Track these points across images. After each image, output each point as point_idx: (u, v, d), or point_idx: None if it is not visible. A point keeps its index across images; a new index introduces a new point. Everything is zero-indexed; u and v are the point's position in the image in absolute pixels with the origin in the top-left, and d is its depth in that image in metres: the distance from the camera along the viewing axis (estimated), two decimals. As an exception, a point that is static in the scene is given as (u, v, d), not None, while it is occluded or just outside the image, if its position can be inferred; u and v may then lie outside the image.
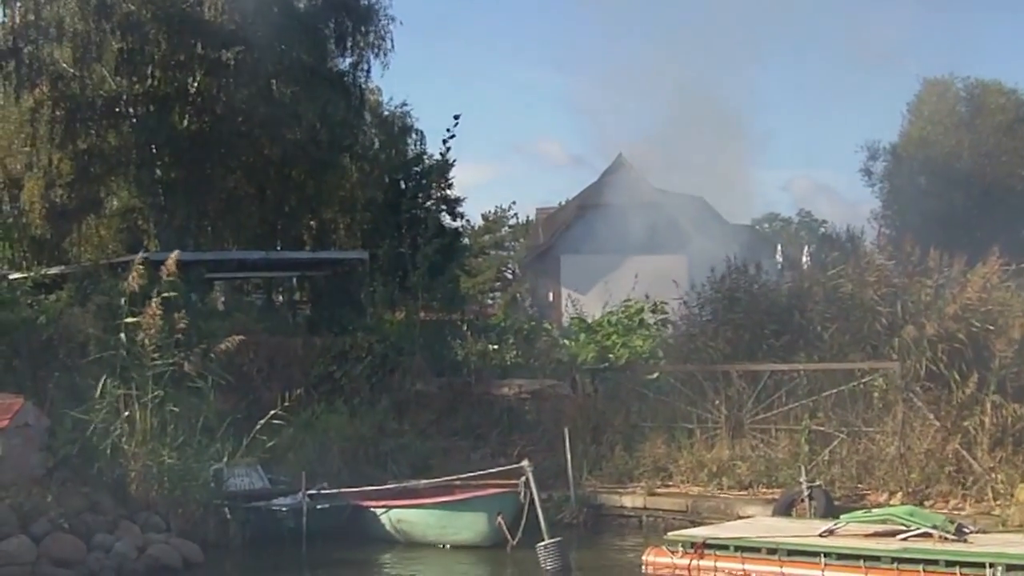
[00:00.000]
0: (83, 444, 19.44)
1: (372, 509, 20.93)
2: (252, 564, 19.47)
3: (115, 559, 17.62)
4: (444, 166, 31.98)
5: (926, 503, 19.51)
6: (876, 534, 16.67)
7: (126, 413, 20.08)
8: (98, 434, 19.66)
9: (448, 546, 20.18)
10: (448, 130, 34.79)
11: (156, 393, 20.17)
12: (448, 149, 33.42)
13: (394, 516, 20.58)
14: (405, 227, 33.07)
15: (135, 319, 20.55)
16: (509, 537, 19.29)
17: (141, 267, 21.19)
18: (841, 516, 17.68)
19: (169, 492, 19.66)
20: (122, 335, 20.63)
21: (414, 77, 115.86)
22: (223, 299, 31.20)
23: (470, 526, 19.86)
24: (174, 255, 21.65)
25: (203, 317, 24.69)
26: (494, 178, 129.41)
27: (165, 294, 20.66)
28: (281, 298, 33.12)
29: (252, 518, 20.23)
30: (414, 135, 38.69)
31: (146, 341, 20.29)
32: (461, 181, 72.85)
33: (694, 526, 19.33)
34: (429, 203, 34.92)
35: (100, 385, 20.12)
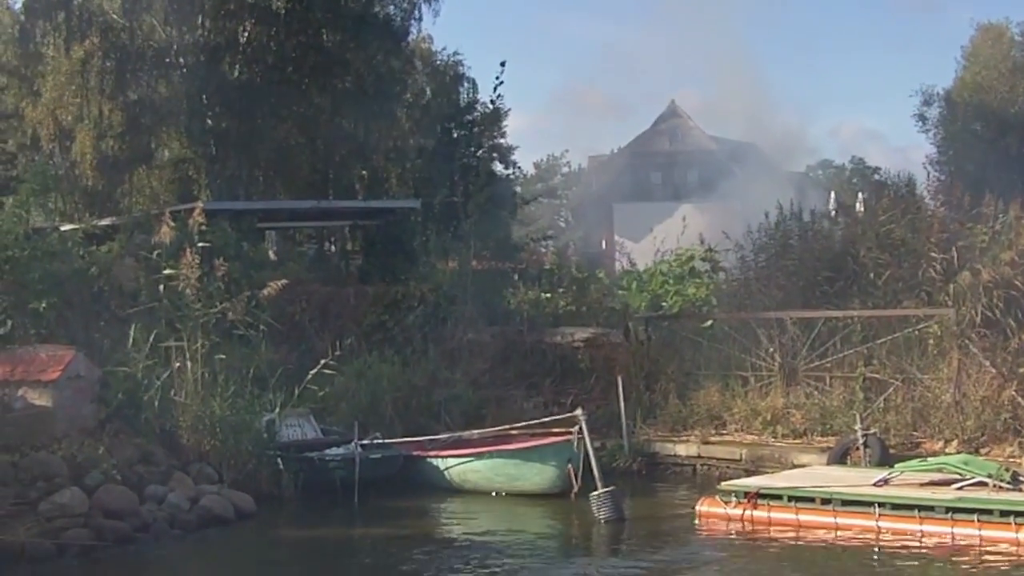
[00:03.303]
0: (132, 395, 19.45)
1: (428, 458, 20.94)
2: (305, 514, 19.43)
3: (168, 510, 17.64)
4: (496, 114, 31.73)
5: (982, 451, 19.32)
6: (931, 483, 16.56)
7: (176, 364, 20.12)
8: (146, 385, 19.67)
9: (503, 493, 20.20)
10: (497, 77, 34.54)
11: (202, 343, 20.18)
12: (498, 96, 33.27)
13: (458, 465, 20.57)
14: (457, 175, 32.93)
15: (170, 271, 20.60)
16: (575, 484, 19.20)
17: (171, 220, 21.24)
18: (896, 465, 17.59)
19: (221, 443, 19.63)
20: (161, 287, 20.71)
21: (461, 22, 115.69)
22: (275, 249, 31.19)
23: (539, 474, 19.79)
24: (198, 206, 21.74)
25: (255, 267, 24.66)
26: (541, 126, 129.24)
27: (201, 243, 20.65)
28: (333, 248, 33.04)
29: (305, 468, 20.20)
30: (466, 83, 38.47)
31: (187, 291, 20.32)
32: (509, 129, 72.72)
33: (748, 475, 19.29)
34: (481, 151, 34.76)
35: (133, 334, 20.19)
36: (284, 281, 22.10)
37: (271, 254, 30.07)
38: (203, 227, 21.33)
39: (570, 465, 19.33)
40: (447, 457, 20.83)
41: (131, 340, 20.16)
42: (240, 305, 20.69)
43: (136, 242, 23.17)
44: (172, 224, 21.16)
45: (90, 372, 19.29)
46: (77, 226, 24.66)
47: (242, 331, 20.96)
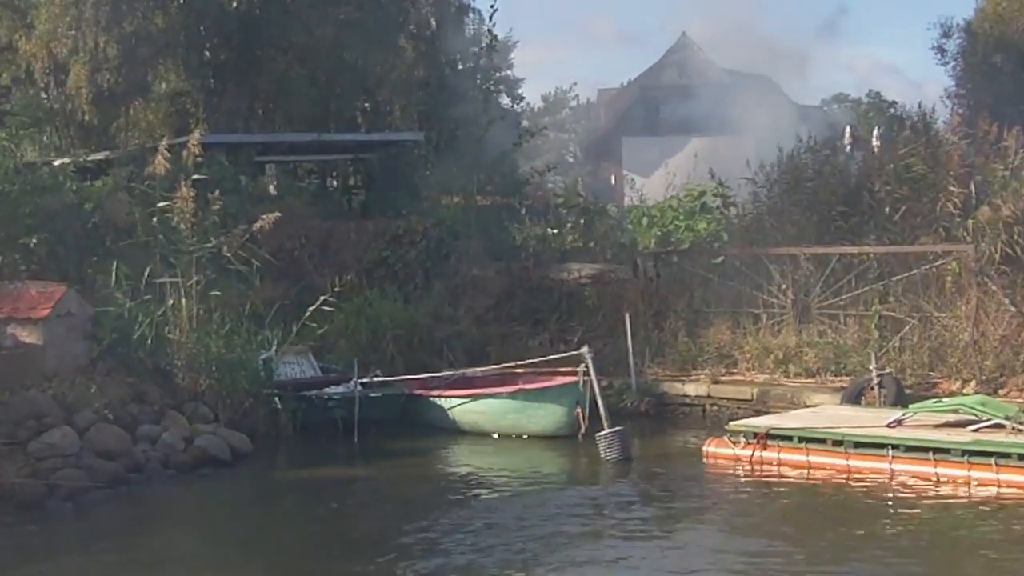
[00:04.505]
0: (125, 333, 19.12)
1: (431, 398, 20.69)
2: (303, 454, 19.21)
3: (161, 450, 17.41)
4: (493, 43, 31.04)
5: (1000, 392, 18.98)
6: (946, 425, 16.31)
7: (171, 301, 19.80)
8: (138, 321, 19.33)
9: (497, 435, 19.91)
10: (491, 5, 33.94)
11: (197, 279, 19.89)
12: (493, 24, 32.68)
13: (462, 405, 20.29)
14: (462, 107, 32.32)
15: (166, 203, 20.19)
16: (583, 426, 18.92)
17: (167, 151, 20.83)
18: (910, 406, 17.35)
19: (217, 381, 19.41)
20: (155, 220, 20.41)
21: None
22: (276, 184, 30.76)
23: (547, 416, 19.51)
24: (194, 138, 21.29)
25: (254, 202, 24.25)
26: (545, 58, 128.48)
27: (195, 176, 20.24)
28: (335, 183, 32.61)
29: (303, 407, 19.98)
30: (471, 14, 37.85)
31: (181, 225, 20.01)
32: (516, 61, 72.38)
33: (759, 415, 18.96)
34: (487, 84, 34.16)
35: (116, 271, 19.91)
36: (277, 214, 21.68)
37: (272, 189, 29.64)
38: (198, 159, 20.85)
39: (578, 407, 19.00)
40: (451, 397, 20.54)
41: (114, 277, 19.84)
42: (235, 239, 20.28)
43: (126, 175, 22.69)
44: (168, 154, 20.66)
45: (81, 309, 19.00)
46: (68, 160, 24.21)
47: (237, 266, 20.54)
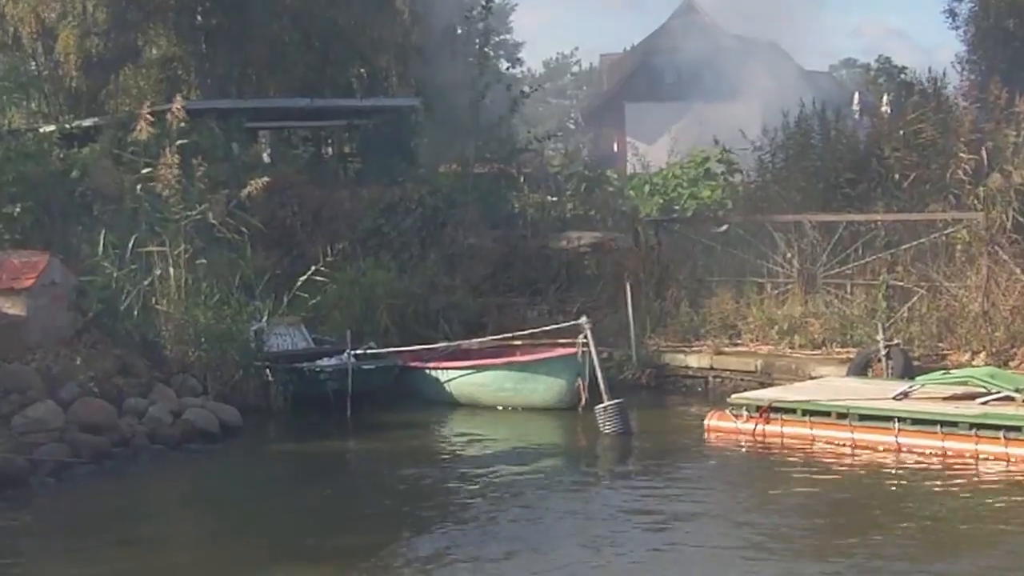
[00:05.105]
0: (111, 303, 18.83)
1: (427, 370, 20.42)
2: (294, 428, 18.97)
3: (149, 424, 17.08)
4: (489, 7, 30.59)
5: (1010, 364, 18.67)
6: (954, 397, 16.03)
7: (158, 271, 19.46)
8: (125, 291, 19.04)
9: (500, 408, 19.64)
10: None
11: (185, 247, 19.52)
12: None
13: (459, 377, 20.02)
14: (460, 73, 31.91)
15: (149, 170, 19.87)
16: (583, 398, 18.68)
17: (150, 116, 20.49)
18: (917, 378, 17.08)
19: (206, 353, 19.06)
20: (139, 188, 20.05)
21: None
22: (268, 151, 30.38)
23: (547, 388, 19.24)
24: (178, 101, 21.01)
25: (246, 169, 23.87)
26: (546, 23, 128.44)
27: (180, 141, 19.87)
28: (330, 150, 32.22)
29: (294, 380, 19.66)
30: (470, -22, 37.39)
31: (165, 192, 19.60)
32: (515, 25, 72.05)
33: (763, 387, 18.69)
34: (486, 48, 33.71)
35: (103, 239, 19.52)
36: (265, 179, 21.29)
37: (265, 156, 29.21)
38: (183, 124, 20.44)
39: (578, 379, 18.76)
40: (447, 369, 20.27)
41: (100, 246, 19.49)
42: (219, 205, 19.85)
43: (110, 140, 22.30)
44: (151, 118, 20.31)
45: (66, 279, 18.73)
46: (54, 127, 23.84)
47: (227, 235, 20.25)
